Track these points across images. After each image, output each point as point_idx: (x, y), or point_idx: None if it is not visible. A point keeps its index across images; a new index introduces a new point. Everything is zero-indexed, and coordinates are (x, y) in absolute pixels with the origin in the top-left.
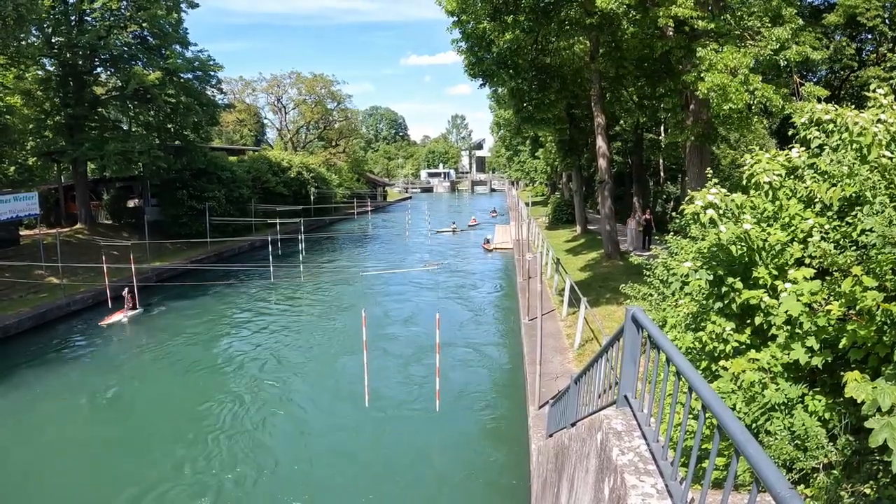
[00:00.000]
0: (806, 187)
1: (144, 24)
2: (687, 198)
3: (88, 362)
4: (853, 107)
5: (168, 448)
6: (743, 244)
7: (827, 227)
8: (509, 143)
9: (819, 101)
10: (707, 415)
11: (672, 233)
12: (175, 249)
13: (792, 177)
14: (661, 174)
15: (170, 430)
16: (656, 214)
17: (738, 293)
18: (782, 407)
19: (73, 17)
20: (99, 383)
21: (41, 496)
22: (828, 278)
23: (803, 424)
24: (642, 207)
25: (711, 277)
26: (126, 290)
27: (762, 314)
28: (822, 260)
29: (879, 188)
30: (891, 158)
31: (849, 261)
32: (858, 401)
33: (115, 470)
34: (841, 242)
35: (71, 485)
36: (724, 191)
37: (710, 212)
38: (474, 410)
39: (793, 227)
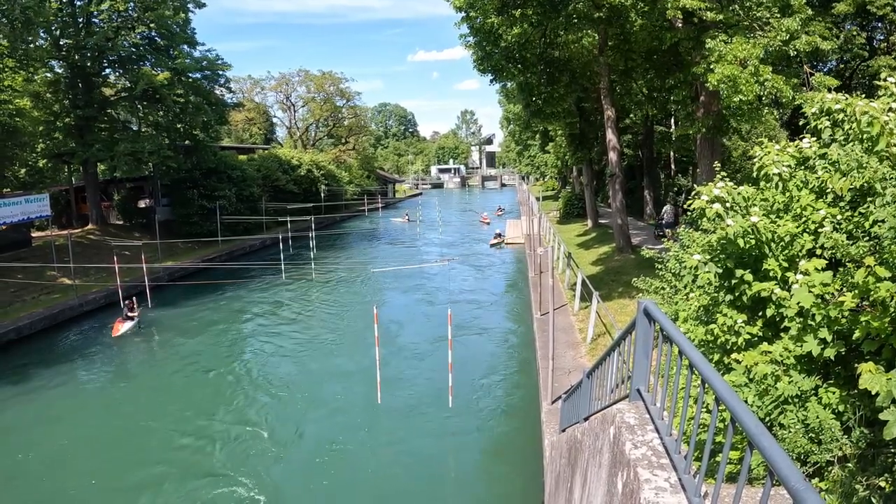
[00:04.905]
0: (817, 178)
1: (152, 25)
2: (693, 192)
3: (100, 362)
4: (863, 96)
5: (177, 446)
6: (751, 237)
7: (839, 217)
8: (519, 137)
9: (829, 90)
10: (720, 408)
11: (684, 226)
12: (186, 249)
13: (803, 167)
14: (672, 167)
15: (181, 426)
16: (677, 209)
17: (748, 285)
18: (796, 399)
19: (80, 19)
20: (110, 382)
21: (50, 494)
22: (840, 269)
23: (817, 417)
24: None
25: (720, 270)
26: (126, 300)
27: (773, 306)
28: (834, 251)
29: (891, 178)
30: None
31: (861, 251)
32: (873, 392)
33: (122, 470)
34: (854, 233)
35: (80, 483)
36: (731, 184)
37: (716, 206)
38: (487, 406)
39: (804, 219)
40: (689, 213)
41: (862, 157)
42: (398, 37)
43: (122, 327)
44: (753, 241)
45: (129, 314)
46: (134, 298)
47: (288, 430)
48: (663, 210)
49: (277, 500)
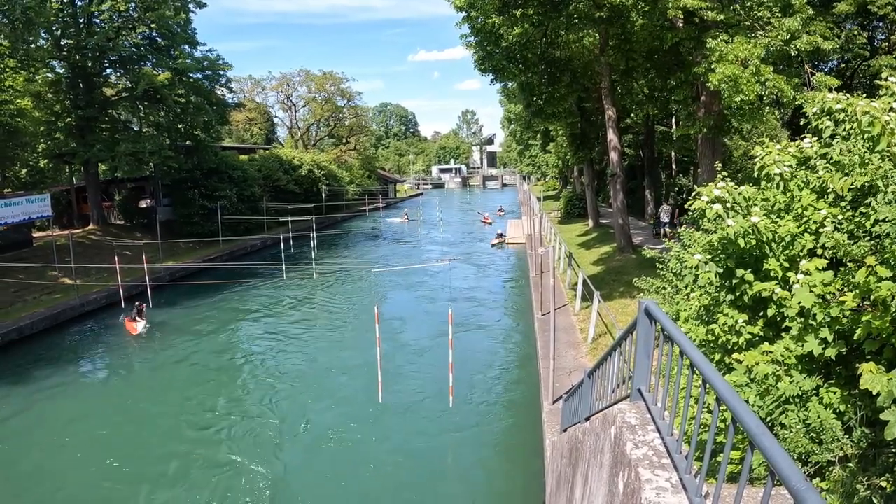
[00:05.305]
0: (818, 177)
1: (153, 25)
2: (694, 193)
3: (103, 361)
4: (865, 95)
5: (180, 445)
6: (752, 237)
7: (840, 217)
8: (520, 137)
9: (830, 90)
10: (721, 408)
11: (685, 225)
12: (187, 249)
13: (804, 167)
14: (674, 166)
15: (182, 426)
16: (674, 208)
17: (749, 285)
18: (797, 399)
19: (81, 20)
20: (114, 381)
21: (52, 494)
22: (841, 269)
23: (818, 417)
24: None
25: (721, 270)
26: (138, 303)
27: (774, 306)
28: (835, 250)
29: (892, 177)
30: None
31: (863, 251)
32: (874, 392)
33: (126, 469)
34: (855, 232)
35: (83, 484)
36: (731, 184)
37: (717, 206)
38: (488, 406)
39: (805, 218)
40: (689, 213)
41: (865, 153)
42: (399, 37)
43: (139, 326)
44: (754, 241)
45: (138, 318)
46: (145, 306)
47: (287, 430)
48: (660, 209)
49: (280, 497)
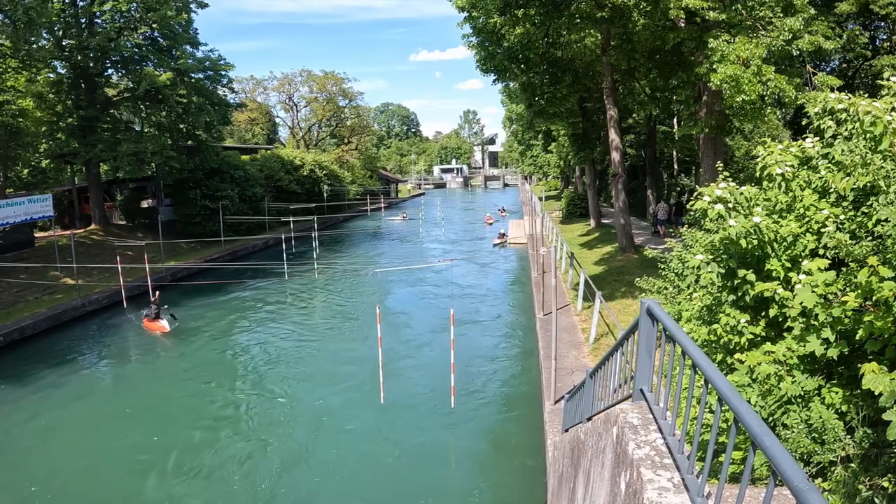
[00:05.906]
0: (820, 177)
1: (154, 26)
2: (696, 193)
3: (104, 360)
4: (866, 95)
5: (182, 447)
6: (754, 237)
7: (842, 217)
8: (521, 137)
9: (832, 90)
10: (723, 408)
11: (687, 225)
12: (189, 249)
13: (806, 167)
14: (675, 166)
15: (184, 429)
16: (671, 207)
17: (751, 285)
18: (799, 400)
19: (83, 20)
20: (115, 379)
21: (55, 489)
22: (843, 269)
23: (820, 417)
24: None
25: (723, 270)
26: (152, 298)
27: (776, 306)
28: (837, 250)
29: (894, 177)
30: None
31: (865, 251)
32: (876, 392)
33: (128, 470)
34: (857, 233)
35: (89, 476)
36: (733, 184)
37: (719, 206)
38: (489, 406)
39: (807, 219)
40: (691, 214)
41: (867, 153)
42: (401, 36)
43: (164, 323)
44: (756, 242)
45: (157, 308)
46: (159, 294)
47: (289, 430)
48: (657, 207)
49: (282, 497)
